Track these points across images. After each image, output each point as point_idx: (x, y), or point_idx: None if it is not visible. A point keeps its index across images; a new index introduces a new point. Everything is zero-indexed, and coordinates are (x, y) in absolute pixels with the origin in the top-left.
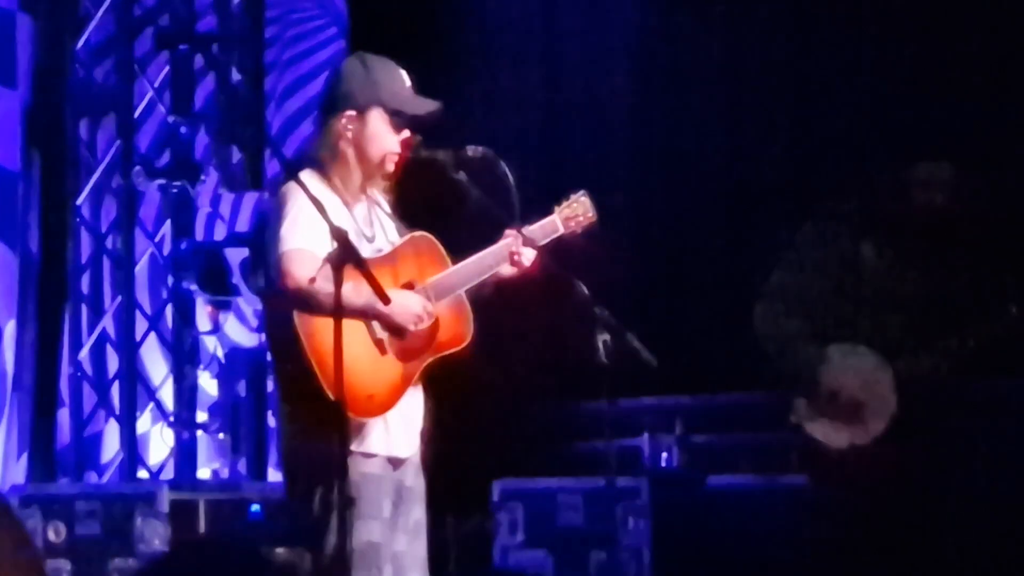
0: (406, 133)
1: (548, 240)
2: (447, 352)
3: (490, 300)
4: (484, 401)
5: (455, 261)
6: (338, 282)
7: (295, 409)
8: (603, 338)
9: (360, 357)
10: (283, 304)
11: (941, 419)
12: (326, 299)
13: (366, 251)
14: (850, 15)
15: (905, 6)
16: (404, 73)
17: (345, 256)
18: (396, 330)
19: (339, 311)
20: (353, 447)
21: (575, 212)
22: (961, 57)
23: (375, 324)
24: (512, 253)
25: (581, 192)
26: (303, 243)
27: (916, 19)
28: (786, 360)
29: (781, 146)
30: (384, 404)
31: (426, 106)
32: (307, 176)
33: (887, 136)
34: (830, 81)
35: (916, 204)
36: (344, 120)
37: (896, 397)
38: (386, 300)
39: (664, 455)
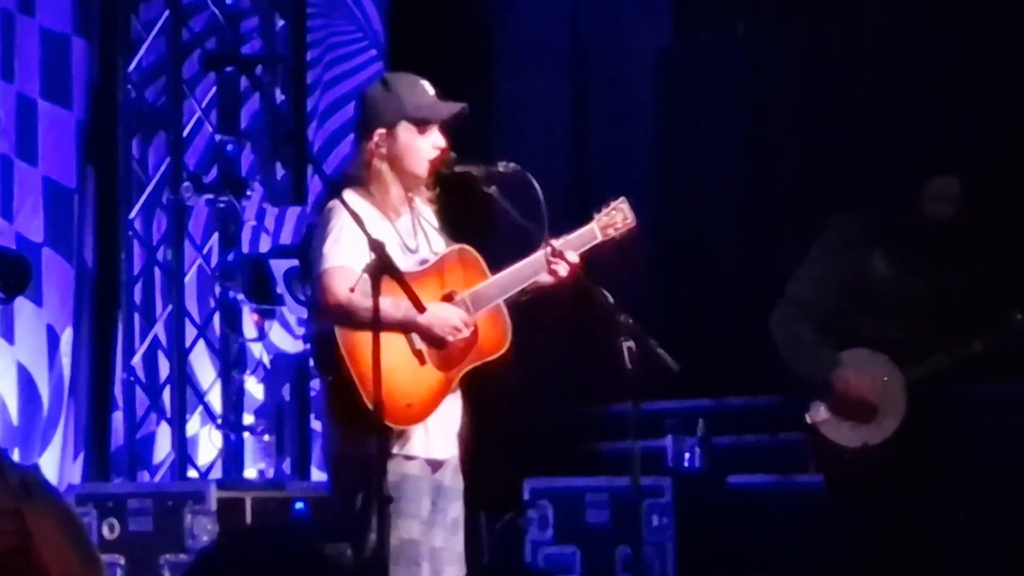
0: (439, 138)
1: (587, 248)
2: (486, 360)
3: (523, 305)
4: (515, 404)
5: (492, 272)
6: (375, 291)
7: (337, 417)
8: (627, 345)
9: (400, 367)
10: (325, 319)
11: (950, 422)
12: (365, 313)
13: (409, 262)
14: (866, 30)
15: (919, 21)
16: (425, 82)
17: (382, 266)
18: (435, 341)
19: (376, 319)
20: (395, 450)
21: (613, 220)
22: (970, 68)
23: (415, 336)
24: (549, 263)
25: (620, 199)
26: (344, 260)
27: (928, 33)
28: (800, 364)
29: (799, 157)
30: (422, 412)
31: (451, 109)
32: (349, 194)
33: (898, 147)
34: (845, 95)
35: (925, 216)
36: (376, 139)
37: (907, 399)
38: (421, 309)
39: (687, 456)
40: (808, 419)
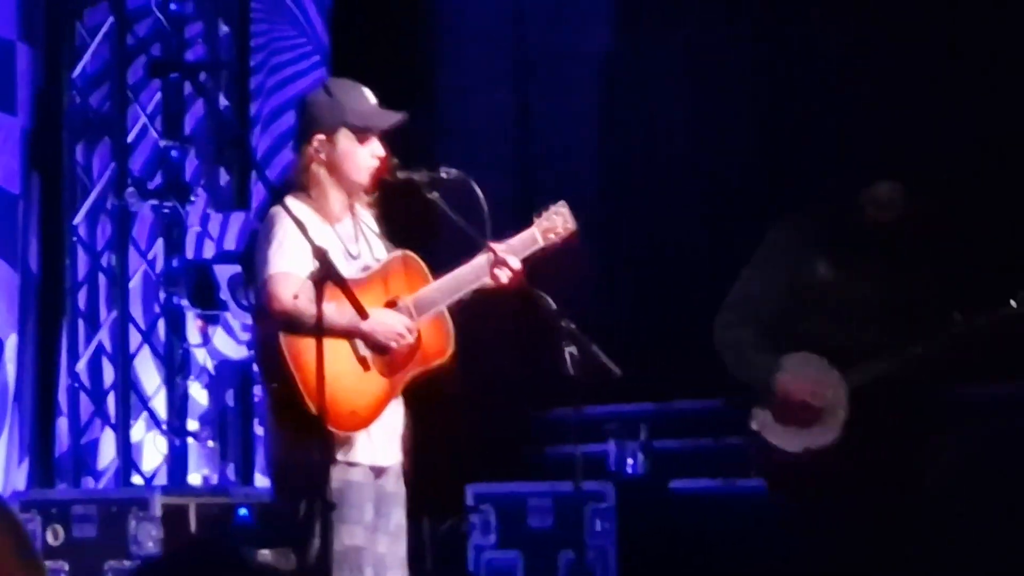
0: (378, 147)
1: (528, 252)
2: (429, 366)
3: (462, 309)
4: (458, 409)
5: (435, 278)
6: (319, 298)
7: (281, 423)
8: (569, 350)
9: (344, 374)
10: (270, 325)
11: (892, 425)
12: (310, 319)
13: (351, 269)
14: (811, 31)
15: (864, 20)
16: (367, 90)
17: (325, 274)
18: (379, 347)
19: (320, 326)
20: (338, 456)
21: (554, 224)
22: (916, 70)
23: (359, 342)
24: (492, 268)
25: (560, 203)
26: (288, 266)
27: (873, 33)
28: (741, 369)
29: (743, 161)
30: (367, 419)
31: (391, 118)
32: (291, 200)
33: (842, 150)
34: (790, 97)
35: (867, 220)
36: (315, 144)
37: (848, 404)
38: (364, 315)
39: (629, 460)
40: (751, 425)
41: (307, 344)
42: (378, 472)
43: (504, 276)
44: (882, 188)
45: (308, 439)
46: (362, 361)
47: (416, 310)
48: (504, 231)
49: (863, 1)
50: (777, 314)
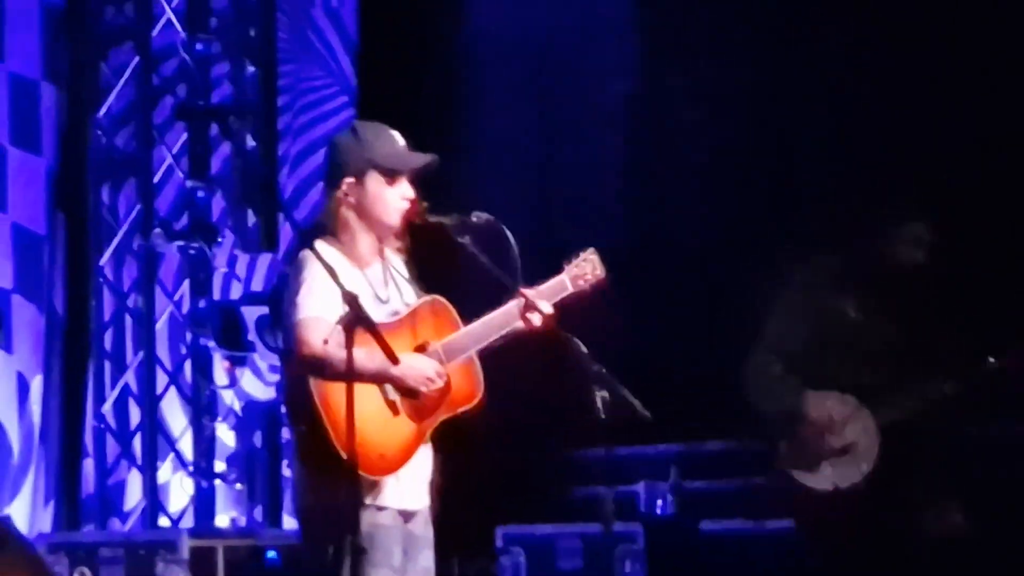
0: (408, 189)
1: (558, 299)
2: (458, 411)
3: (495, 352)
4: (488, 451)
5: (464, 323)
6: (349, 343)
7: (309, 466)
8: (601, 394)
9: (373, 418)
10: (300, 370)
11: (920, 465)
12: (340, 364)
13: (381, 313)
14: (831, 76)
15: (886, 61)
16: (395, 133)
17: (355, 319)
18: (409, 392)
19: (350, 370)
20: (367, 500)
21: (583, 271)
22: (940, 109)
23: (388, 386)
24: (523, 313)
25: (590, 250)
26: (317, 311)
27: (895, 72)
28: (770, 407)
29: (768, 202)
30: (395, 463)
31: (420, 160)
32: (320, 244)
33: (869, 191)
34: (814, 141)
35: (896, 260)
36: (344, 188)
37: (878, 442)
38: (395, 360)
39: (659, 502)
40: (778, 464)
41: (336, 388)
42: (407, 516)
43: (536, 320)
44: (912, 227)
45: (337, 483)
46: (391, 405)
47: (446, 355)
48: (529, 273)
49: (888, 35)
50: (805, 354)
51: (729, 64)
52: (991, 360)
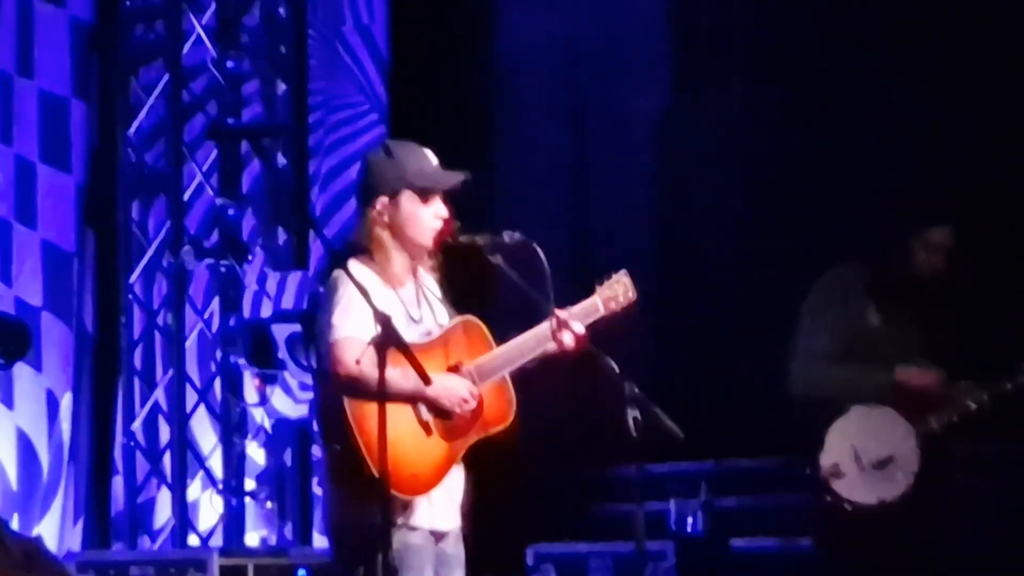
0: (441, 208)
1: (590, 320)
2: (491, 431)
3: (526, 370)
4: (518, 469)
5: (497, 343)
6: (381, 363)
7: (342, 485)
8: (633, 413)
9: (406, 438)
10: (335, 390)
11: (957, 478)
12: (374, 384)
13: (414, 333)
14: (859, 91)
15: (916, 77)
16: (428, 151)
17: (388, 339)
18: (442, 412)
19: (382, 390)
20: (398, 520)
21: (615, 292)
22: (968, 121)
23: (421, 406)
24: (555, 333)
25: (622, 272)
26: (352, 331)
27: (926, 87)
28: (852, 386)
29: (800, 219)
30: (428, 483)
31: (453, 178)
32: (353, 264)
33: (892, 200)
34: (845, 154)
35: (917, 266)
36: (378, 207)
37: (920, 454)
38: (427, 381)
39: (690, 519)
40: (820, 476)
41: (370, 408)
42: (438, 536)
43: (568, 340)
44: (932, 232)
45: (369, 502)
46: (424, 426)
47: (479, 376)
48: (559, 292)
49: (914, 56)
50: (839, 361)
51: (762, 78)
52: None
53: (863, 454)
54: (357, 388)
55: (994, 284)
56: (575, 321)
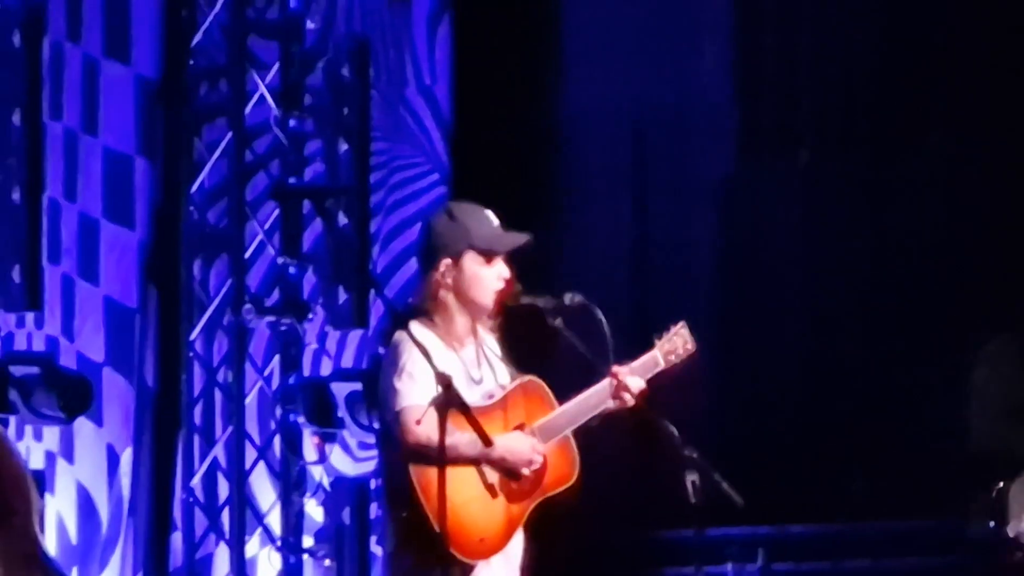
0: (504, 269)
1: (650, 375)
2: (554, 492)
3: (585, 432)
4: (577, 531)
5: (559, 402)
6: (442, 425)
7: (408, 551)
8: (692, 478)
9: (472, 501)
10: (403, 457)
11: None
12: (439, 448)
13: (475, 393)
14: (931, 159)
15: (983, 147)
16: (490, 213)
17: (449, 401)
18: (508, 473)
19: (442, 453)
20: None
21: (675, 346)
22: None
23: (487, 469)
24: (615, 392)
25: (681, 324)
26: (419, 398)
27: (992, 157)
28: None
29: (863, 288)
30: (495, 547)
31: (516, 240)
32: (415, 326)
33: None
34: (910, 224)
35: None
36: (442, 269)
37: None
38: (488, 443)
39: None
40: (1011, 532)
41: (435, 473)
42: None
43: (628, 399)
44: None
45: (434, 567)
46: (490, 488)
47: (542, 436)
48: (620, 352)
49: (980, 133)
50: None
51: (826, 147)
52: None
53: None
54: (426, 455)
55: None
56: (635, 377)
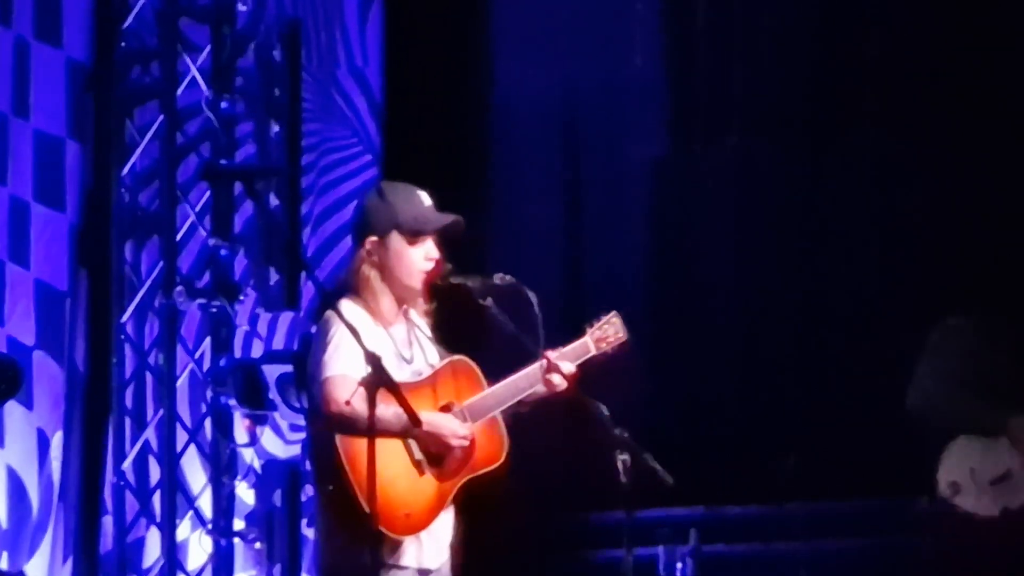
0: (432, 250)
1: (580, 361)
2: (482, 471)
3: (515, 415)
4: (507, 513)
5: (489, 384)
6: (371, 403)
7: (335, 526)
8: (622, 458)
9: (399, 478)
10: (326, 427)
11: None
12: (365, 422)
13: (404, 373)
14: (852, 150)
15: (915, 130)
16: (423, 193)
17: (378, 379)
18: (434, 452)
19: (372, 431)
20: (387, 559)
21: (606, 334)
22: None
23: (414, 446)
24: (545, 375)
25: (612, 313)
26: (343, 369)
27: (924, 140)
28: (974, 414)
29: (793, 268)
30: (421, 523)
31: (443, 220)
32: (345, 303)
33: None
34: (833, 209)
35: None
36: (368, 247)
37: None
38: (417, 423)
39: (679, 565)
40: (941, 494)
41: (361, 448)
42: (426, 575)
43: (558, 381)
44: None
45: (360, 542)
46: (417, 465)
47: (471, 415)
48: (552, 336)
49: (911, 118)
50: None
51: (755, 131)
52: None
53: (980, 473)
54: (348, 426)
55: None
56: (565, 362)
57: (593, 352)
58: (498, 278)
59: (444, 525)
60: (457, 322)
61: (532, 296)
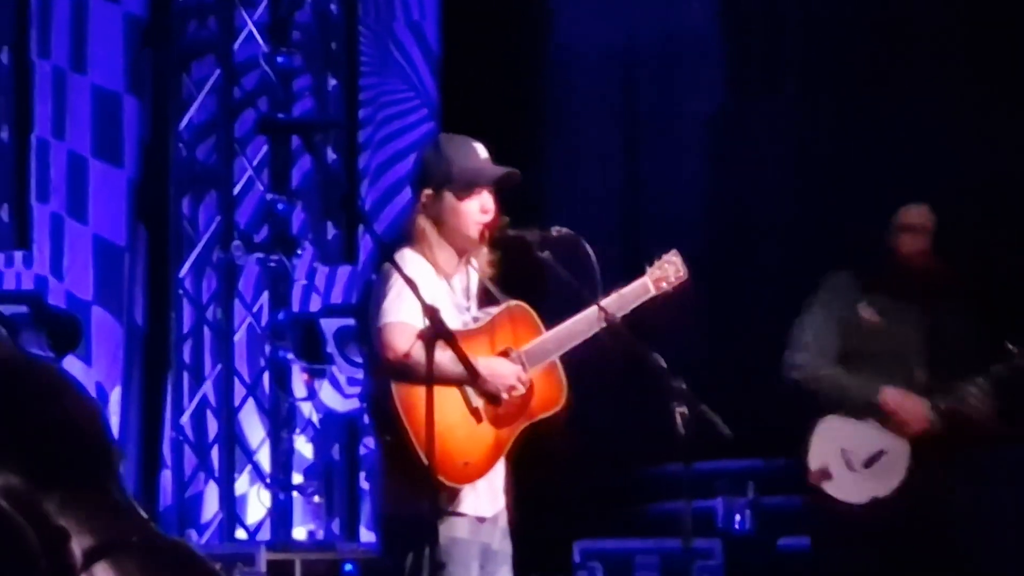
0: (488, 202)
1: (640, 302)
2: (541, 417)
3: (573, 366)
4: (565, 466)
5: (547, 329)
6: (429, 357)
7: (393, 476)
8: (680, 410)
9: (457, 426)
10: (383, 375)
11: (950, 481)
12: (423, 369)
13: (462, 320)
14: (911, 96)
15: (961, 86)
16: (479, 145)
17: (435, 331)
18: (491, 398)
19: (430, 382)
20: (445, 507)
21: (666, 273)
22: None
23: (471, 393)
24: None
25: (672, 252)
26: (403, 316)
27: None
28: (840, 394)
29: (849, 219)
30: (479, 470)
31: (497, 172)
32: (408, 253)
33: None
34: (893, 156)
35: (900, 251)
36: (424, 199)
37: (911, 448)
38: (474, 373)
39: (737, 517)
40: (809, 479)
41: (420, 397)
42: (481, 522)
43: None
44: (908, 211)
45: (419, 492)
46: (475, 413)
47: (528, 360)
48: (611, 287)
49: (968, 61)
50: (836, 357)
51: (813, 81)
52: (1011, 347)
53: (852, 455)
54: (406, 373)
55: (991, 272)
56: (624, 304)
57: (653, 292)
58: (555, 230)
59: (497, 472)
60: (515, 275)
61: (589, 249)
